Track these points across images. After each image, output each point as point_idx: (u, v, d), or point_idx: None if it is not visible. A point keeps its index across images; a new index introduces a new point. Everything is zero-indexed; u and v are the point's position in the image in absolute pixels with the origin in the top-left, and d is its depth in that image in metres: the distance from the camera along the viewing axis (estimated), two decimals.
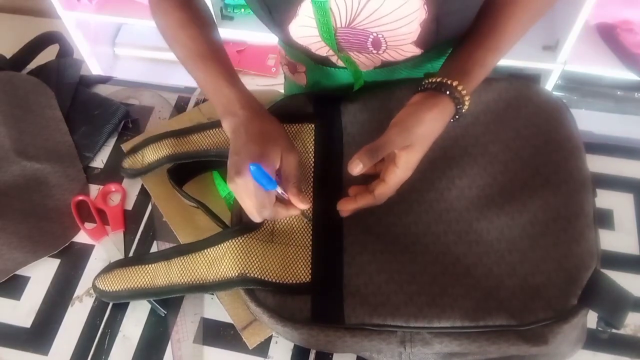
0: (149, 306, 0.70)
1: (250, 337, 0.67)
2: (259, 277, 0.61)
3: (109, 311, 0.70)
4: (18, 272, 0.73)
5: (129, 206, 0.79)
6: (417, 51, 0.67)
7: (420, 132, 0.59)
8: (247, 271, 0.61)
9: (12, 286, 0.73)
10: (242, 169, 0.58)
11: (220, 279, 0.63)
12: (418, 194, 0.64)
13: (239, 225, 0.66)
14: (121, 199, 0.79)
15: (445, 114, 0.61)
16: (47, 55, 0.94)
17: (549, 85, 1.53)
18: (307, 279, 0.61)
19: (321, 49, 0.69)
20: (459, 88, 0.60)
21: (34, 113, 0.84)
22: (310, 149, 0.69)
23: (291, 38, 0.67)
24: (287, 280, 0.61)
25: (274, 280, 0.61)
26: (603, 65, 1.46)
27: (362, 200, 0.62)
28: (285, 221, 0.65)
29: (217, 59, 0.66)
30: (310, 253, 0.63)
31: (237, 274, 0.62)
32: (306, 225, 0.64)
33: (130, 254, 0.75)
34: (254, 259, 0.62)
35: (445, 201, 0.63)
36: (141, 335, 0.68)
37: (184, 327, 0.68)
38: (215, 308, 0.70)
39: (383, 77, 0.76)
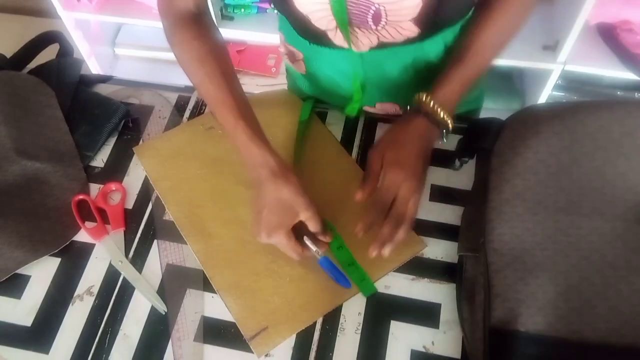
0: (150, 305, 0.70)
1: (258, 346, 0.66)
2: None
3: (109, 310, 0.70)
4: (19, 271, 0.73)
5: (130, 205, 0.79)
6: (414, 30, 0.69)
7: (404, 153, 0.66)
8: None
9: (13, 285, 0.73)
10: (272, 233, 0.66)
11: None
12: None
13: None
14: (121, 198, 0.79)
15: (428, 134, 0.68)
16: (47, 54, 0.94)
17: (549, 85, 1.52)
18: None
19: (321, 20, 0.70)
20: (438, 110, 0.67)
21: (34, 112, 0.84)
22: None
23: (293, 5, 0.68)
24: None
25: None
26: (603, 65, 1.46)
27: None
28: None
29: (245, 115, 0.69)
30: None
31: None
32: None
33: (131, 253, 0.75)
34: None
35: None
36: (142, 333, 0.68)
37: (185, 326, 0.68)
38: (216, 306, 0.70)
39: (381, 61, 0.76)
